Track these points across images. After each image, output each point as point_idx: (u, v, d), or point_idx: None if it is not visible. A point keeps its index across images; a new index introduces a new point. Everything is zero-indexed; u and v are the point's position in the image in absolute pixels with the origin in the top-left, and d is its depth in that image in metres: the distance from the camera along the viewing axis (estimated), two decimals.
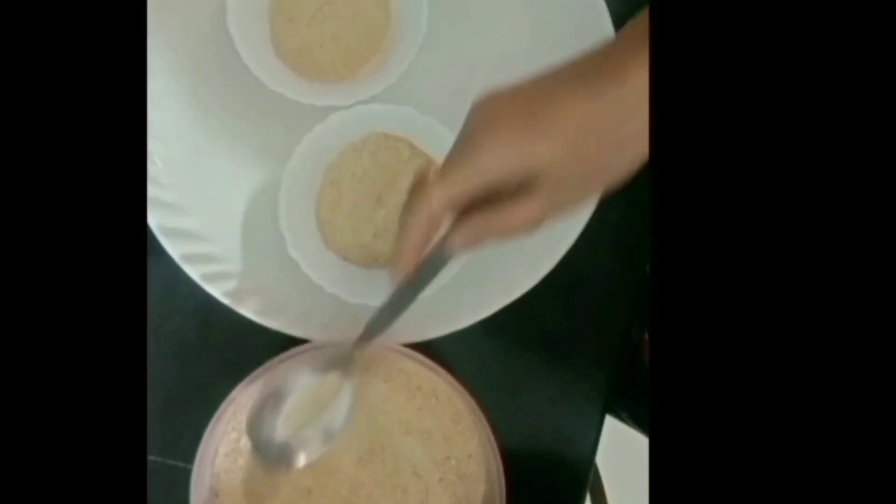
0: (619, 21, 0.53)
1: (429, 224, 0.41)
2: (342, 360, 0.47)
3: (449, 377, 0.50)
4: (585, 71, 0.38)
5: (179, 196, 0.55)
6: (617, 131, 0.37)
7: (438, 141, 0.51)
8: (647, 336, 0.57)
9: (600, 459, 0.57)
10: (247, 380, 0.49)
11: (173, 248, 0.52)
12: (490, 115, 0.39)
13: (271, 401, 0.47)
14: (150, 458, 0.53)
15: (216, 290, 0.52)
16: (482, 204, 0.40)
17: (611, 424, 0.57)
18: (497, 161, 0.38)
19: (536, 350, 0.55)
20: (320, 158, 0.53)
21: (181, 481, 0.50)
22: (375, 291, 0.51)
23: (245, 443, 0.51)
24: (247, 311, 0.52)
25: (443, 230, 0.42)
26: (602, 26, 0.54)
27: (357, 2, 0.54)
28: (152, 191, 0.53)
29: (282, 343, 0.51)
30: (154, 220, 0.52)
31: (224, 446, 0.50)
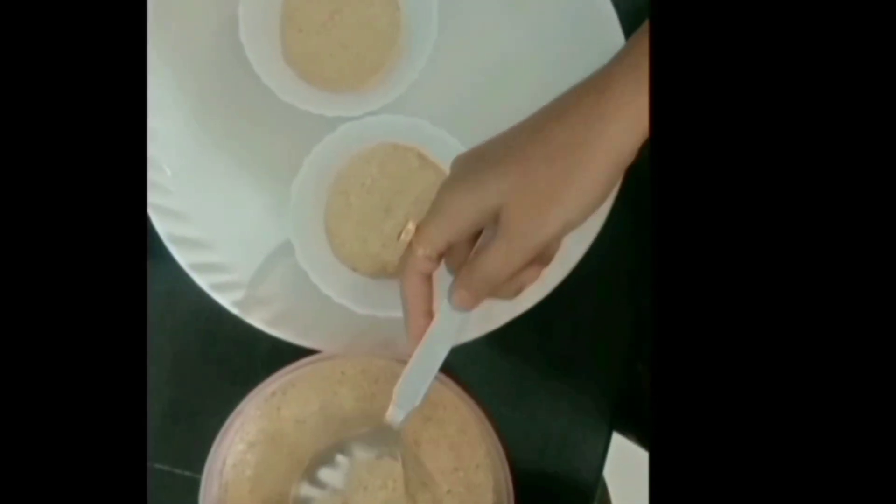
0: (628, 32, 0.53)
1: (418, 277, 0.44)
2: (388, 439, 0.48)
3: (455, 387, 0.50)
4: (533, 118, 0.42)
5: (188, 205, 0.55)
6: (564, 159, 0.39)
7: (448, 151, 0.51)
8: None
9: (607, 472, 0.57)
10: (255, 390, 0.49)
11: (182, 257, 0.52)
12: (454, 170, 0.43)
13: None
14: (159, 467, 0.54)
15: (225, 300, 0.52)
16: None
17: (618, 437, 0.57)
18: (458, 205, 0.41)
19: (543, 362, 0.55)
20: (329, 168, 0.53)
21: (190, 491, 0.50)
22: (384, 302, 0.51)
23: (252, 454, 0.51)
24: (255, 320, 0.52)
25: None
26: (612, 36, 0.53)
27: (367, 11, 0.54)
28: (161, 199, 0.53)
29: (290, 353, 0.51)
30: (162, 228, 0.52)
31: (232, 457, 0.50)
